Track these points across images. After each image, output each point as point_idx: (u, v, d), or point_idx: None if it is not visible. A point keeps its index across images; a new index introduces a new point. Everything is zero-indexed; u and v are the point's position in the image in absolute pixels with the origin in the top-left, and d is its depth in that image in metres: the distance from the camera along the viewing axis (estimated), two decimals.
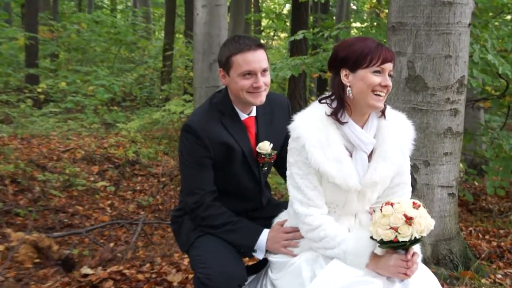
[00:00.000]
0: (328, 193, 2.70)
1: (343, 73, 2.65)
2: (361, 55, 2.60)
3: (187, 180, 3.03)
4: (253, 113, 3.07)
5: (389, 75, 2.64)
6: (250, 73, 2.91)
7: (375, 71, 2.60)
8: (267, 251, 2.95)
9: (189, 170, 2.99)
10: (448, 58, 3.81)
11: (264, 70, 2.94)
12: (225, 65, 2.95)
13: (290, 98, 11.59)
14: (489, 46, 5.20)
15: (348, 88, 2.64)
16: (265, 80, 2.94)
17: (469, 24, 3.90)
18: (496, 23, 6.49)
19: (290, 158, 2.71)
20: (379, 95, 2.61)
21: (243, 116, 3.04)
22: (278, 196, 7.76)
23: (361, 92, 2.62)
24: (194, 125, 2.96)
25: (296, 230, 2.85)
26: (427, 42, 3.81)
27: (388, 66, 2.61)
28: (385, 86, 2.61)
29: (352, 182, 2.65)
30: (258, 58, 2.90)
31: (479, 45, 5.17)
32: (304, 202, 2.69)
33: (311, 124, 2.66)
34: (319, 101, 2.74)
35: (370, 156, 2.71)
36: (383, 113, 2.72)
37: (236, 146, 2.98)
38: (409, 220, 2.46)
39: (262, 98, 2.96)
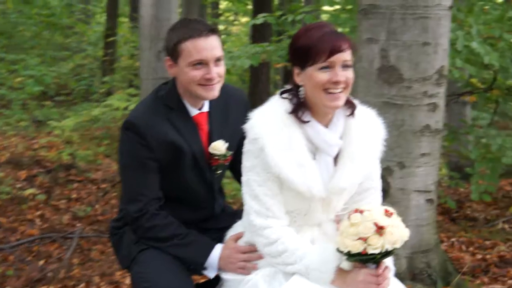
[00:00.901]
0: (289, 201, 2.73)
1: (295, 71, 2.69)
2: (304, 51, 2.62)
3: (128, 185, 3.03)
4: (205, 108, 3.08)
5: (347, 66, 2.62)
6: (202, 63, 2.92)
7: (323, 67, 2.60)
8: (219, 269, 2.98)
9: (131, 173, 2.99)
10: (426, 45, 3.89)
11: (218, 59, 2.95)
12: (173, 53, 2.96)
13: (252, 92, 11.63)
14: (474, 33, 5.31)
15: (301, 88, 2.68)
16: (218, 71, 2.96)
17: (450, 7, 3.99)
18: (486, 7, 6.63)
19: (247, 162, 2.73)
20: (332, 93, 2.61)
21: (194, 112, 3.06)
22: (237, 204, 7.77)
23: (313, 92, 2.64)
24: (136, 121, 2.96)
25: (254, 249, 2.87)
26: (402, 28, 3.88)
27: (339, 57, 2.59)
28: (337, 82, 2.60)
29: (316, 189, 2.68)
30: (210, 46, 2.91)
31: (463, 31, 5.27)
32: (262, 213, 2.71)
33: (270, 123, 2.68)
34: (281, 94, 2.76)
35: (335, 160, 2.75)
36: (352, 111, 2.74)
37: (185, 146, 2.99)
38: (380, 229, 2.50)
39: (215, 91, 2.98)
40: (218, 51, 2.94)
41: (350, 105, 2.74)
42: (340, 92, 2.62)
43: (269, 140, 2.65)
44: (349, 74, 2.64)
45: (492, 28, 5.56)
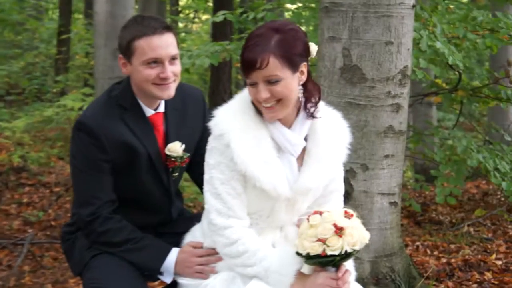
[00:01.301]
0: (253, 202, 2.75)
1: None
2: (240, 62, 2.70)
3: (80, 188, 3.02)
4: (161, 109, 3.08)
5: (271, 81, 2.62)
6: (156, 61, 2.92)
7: (250, 84, 2.67)
8: (176, 274, 2.98)
9: (83, 176, 2.98)
10: (389, 45, 3.94)
11: (173, 58, 2.95)
12: (126, 51, 2.95)
13: (213, 92, 11.64)
14: (438, 32, 5.40)
15: None
16: (174, 70, 2.96)
17: (413, 6, 4.05)
18: (451, 6, 6.74)
19: (211, 160, 2.74)
20: (267, 107, 2.67)
21: (149, 112, 3.05)
22: (198, 208, 7.77)
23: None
24: (89, 122, 2.94)
25: (211, 252, 2.89)
26: (365, 26, 3.92)
27: (258, 75, 2.62)
28: (263, 100, 2.65)
29: (282, 188, 2.71)
30: (165, 43, 2.91)
31: (427, 31, 5.35)
32: (223, 212, 2.73)
33: (237, 119, 2.70)
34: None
35: (300, 160, 2.78)
36: (311, 115, 2.76)
37: (141, 147, 2.99)
38: (339, 230, 2.53)
39: (170, 91, 2.98)
40: (173, 49, 2.94)
41: (309, 107, 2.76)
42: (273, 105, 2.64)
43: (235, 136, 2.67)
44: (276, 88, 2.62)
45: (457, 27, 5.66)
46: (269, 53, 2.57)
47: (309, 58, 2.74)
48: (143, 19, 2.94)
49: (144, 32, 2.89)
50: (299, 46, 2.65)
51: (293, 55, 2.62)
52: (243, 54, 2.61)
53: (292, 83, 2.65)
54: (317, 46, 2.77)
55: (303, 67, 2.68)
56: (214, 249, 2.87)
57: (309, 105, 2.74)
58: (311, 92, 2.73)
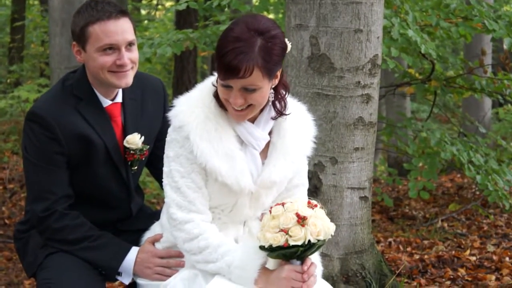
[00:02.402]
0: (215, 196, 2.77)
1: None
2: (215, 58, 2.69)
3: (33, 183, 3.00)
4: (119, 99, 3.08)
5: (249, 89, 2.64)
6: (112, 48, 2.91)
7: (222, 85, 2.68)
8: (134, 274, 2.98)
9: (36, 169, 2.96)
10: (359, 32, 3.97)
11: (130, 44, 2.95)
12: (80, 37, 2.94)
13: (177, 82, 11.60)
14: (410, 20, 5.45)
15: None
16: (131, 56, 2.95)
17: None
18: None
19: (170, 152, 2.75)
20: (237, 110, 2.68)
21: (106, 102, 3.04)
22: (161, 204, 7.76)
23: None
24: (42, 112, 2.93)
25: (172, 254, 2.90)
26: (333, 14, 3.94)
27: (237, 83, 2.61)
28: (236, 105, 2.66)
29: (245, 181, 2.73)
30: (121, 29, 2.91)
31: (398, 18, 5.40)
32: (183, 206, 2.74)
33: (197, 110, 2.71)
34: (212, 83, 2.78)
35: (264, 154, 2.81)
36: (280, 113, 2.79)
37: (97, 139, 2.98)
38: (302, 220, 2.55)
39: (128, 79, 2.97)
40: (130, 35, 2.94)
41: (278, 106, 2.77)
42: (244, 109, 2.66)
43: (195, 128, 2.68)
44: (252, 96, 2.63)
45: (429, 15, 5.71)
46: (253, 64, 2.57)
47: None
48: (96, 4, 2.92)
49: (98, 17, 2.88)
50: (279, 55, 2.66)
51: (273, 65, 2.64)
52: (224, 57, 2.57)
53: (267, 91, 2.68)
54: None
55: (278, 72, 2.71)
56: (172, 247, 2.89)
57: (278, 105, 2.77)
58: (280, 92, 2.77)
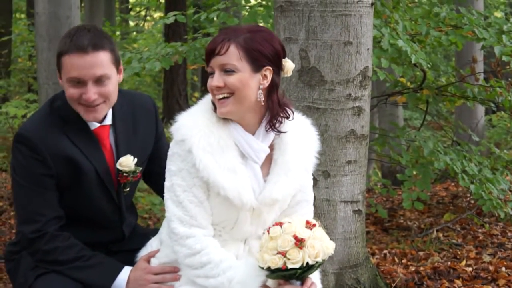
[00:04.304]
0: (216, 211, 2.78)
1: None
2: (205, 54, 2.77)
3: (22, 204, 3.00)
4: (108, 121, 3.07)
5: (227, 70, 2.70)
6: (80, 81, 2.91)
7: (210, 73, 2.74)
8: None
9: (25, 191, 2.97)
10: (348, 45, 3.99)
11: (100, 79, 2.91)
12: (57, 64, 2.98)
13: (167, 95, 11.63)
14: (400, 30, 5.47)
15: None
16: (101, 91, 2.92)
17: (372, 4, 4.10)
18: (414, 1, 6.84)
19: (172, 166, 2.76)
20: (219, 98, 2.72)
21: (94, 125, 3.04)
22: (153, 220, 7.75)
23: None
24: (29, 134, 2.94)
25: (167, 270, 2.90)
26: (322, 26, 3.96)
27: (216, 61, 2.70)
28: (216, 88, 2.71)
29: (247, 196, 2.74)
30: (89, 63, 2.87)
31: (388, 28, 5.42)
32: (185, 220, 2.75)
33: (199, 124, 2.74)
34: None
35: (266, 170, 2.82)
36: (273, 126, 2.79)
37: (86, 163, 2.98)
38: (299, 242, 2.56)
39: (97, 114, 2.96)
40: (99, 70, 2.90)
41: (272, 120, 2.79)
42: (226, 99, 2.71)
43: (197, 141, 2.70)
44: (230, 79, 2.70)
45: (419, 24, 5.74)
46: (230, 42, 2.68)
47: (280, 71, 2.81)
48: (75, 32, 2.92)
49: (68, 48, 2.89)
50: (267, 48, 2.72)
51: (257, 52, 2.70)
52: (209, 44, 2.71)
53: (249, 80, 2.70)
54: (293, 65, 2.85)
55: (268, 72, 2.73)
56: (170, 263, 2.89)
57: (274, 120, 2.78)
58: (276, 105, 2.77)
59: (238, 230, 2.83)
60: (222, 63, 2.69)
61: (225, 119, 2.76)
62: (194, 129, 2.72)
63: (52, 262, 2.97)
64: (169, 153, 2.78)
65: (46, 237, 2.95)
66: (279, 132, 2.79)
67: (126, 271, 2.98)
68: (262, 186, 2.80)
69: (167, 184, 2.78)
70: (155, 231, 3.11)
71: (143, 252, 3.05)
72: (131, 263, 3.04)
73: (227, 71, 2.69)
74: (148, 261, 2.98)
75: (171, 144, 2.79)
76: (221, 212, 2.78)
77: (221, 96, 2.70)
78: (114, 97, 2.99)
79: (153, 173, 3.21)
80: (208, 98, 2.82)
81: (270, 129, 2.78)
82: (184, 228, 2.75)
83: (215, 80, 2.69)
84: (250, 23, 2.80)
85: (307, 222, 2.64)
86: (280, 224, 2.63)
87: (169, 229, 2.81)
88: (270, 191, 2.78)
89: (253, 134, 2.78)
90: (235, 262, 2.74)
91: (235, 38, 2.68)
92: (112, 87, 2.96)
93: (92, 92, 2.90)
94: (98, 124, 3.04)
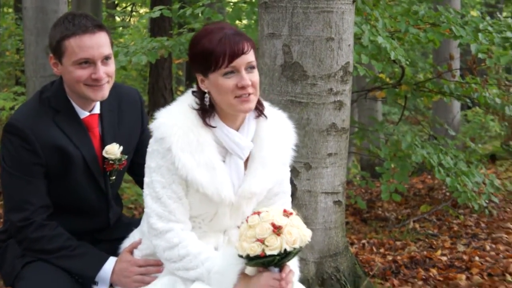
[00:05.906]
0: (195, 206, 2.77)
1: (199, 78, 2.74)
2: (204, 57, 2.67)
3: (11, 193, 2.99)
4: (96, 110, 3.07)
5: (251, 67, 2.70)
6: (88, 62, 2.91)
7: (226, 73, 2.67)
8: (111, 284, 2.97)
9: (14, 180, 2.95)
10: (330, 41, 4.00)
11: (106, 58, 2.95)
12: (56, 50, 2.94)
13: (153, 89, 11.56)
14: (380, 27, 5.49)
15: (206, 95, 2.73)
16: (107, 70, 2.95)
17: (354, 1, 4.12)
18: (390, 2, 6.86)
19: (151, 163, 2.75)
20: (241, 96, 2.68)
21: (83, 114, 3.04)
22: (139, 210, 7.73)
23: (221, 99, 2.70)
24: (19, 124, 2.93)
25: (151, 262, 2.90)
26: (305, 22, 3.97)
27: (241, 60, 2.66)
28: (244, 87, 2.66)
29: (226, 192, 2.74)
30: (97, 43, 2.91)
31: (369, 25, 5.44)
32: (164, 216, 2.74)
33: (179, 122, 2.71)
34: (192, 93, 2.80)
35: (245, 163, 2.81)
36: (261, 112, 2.81)
37: (75, 151, 2.98)
38: (277, 229, 2.57)
39: (104, 92, 2.97)
40: (106, 49, 2.94)
41: (258, 106, 2.80)
42: (250, 95, 2.68)
43: (176, 140, 2.68)
44: (255, 76, 2.71)
45: (399, 21, 5.76)
46: (246, 40, 2.68)
47: None
48: (74, 17, 2.93)
49: (74, 31, 2.88)
50: None
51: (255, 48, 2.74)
52: (219, 45, 2.63)
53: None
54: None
55: None
56: (152, 255, 2.89)
57: (260, 107, 2.81)
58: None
59: (217, 223, 2.84)
60: (249, 61, 2.67)
61: None
62: (173, 127, 2.70)
63: (39, 250, 2.96)
64: (149, 150, 2.77)
65: (34, 226, 2.94)
66: (263, 115, 2.81)
67: (111, 262, 2.98)
68: (242, 180, 2.80)
69: (146, 180, 2.78)
70: (138, 221, 3.10)
71: (126, 243, 3.05)
72: (115, 251, 3.04)
73: (251, 68, 2.69)
74: (131, 253, 2.98)
75: (150, 141, 2.77)
76: (200, 206, 2.78)
77: (247, 94, 2.68)
78: (114, 78, 3.02)
79: (136, 164, 3.20)
80: (188, 94, 2.80)
81: (257, 113, 2.79)
82: (163, 223, 2.74)
83: (246, 79, 2.66)
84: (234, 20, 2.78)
85: (285, 211, 2.65)
86: (258, 213, 2.64)
87: (148, 225, 2.80)
88: (250, 185, 2.78)
89: (237, 129, 2.77)
90: (213, 253, 2.73)
91: (245, 36, 2.69)
92: (113, 67, 3.00)
93: (101, 71, 2.92)
94: (87, 113, 3.04)
